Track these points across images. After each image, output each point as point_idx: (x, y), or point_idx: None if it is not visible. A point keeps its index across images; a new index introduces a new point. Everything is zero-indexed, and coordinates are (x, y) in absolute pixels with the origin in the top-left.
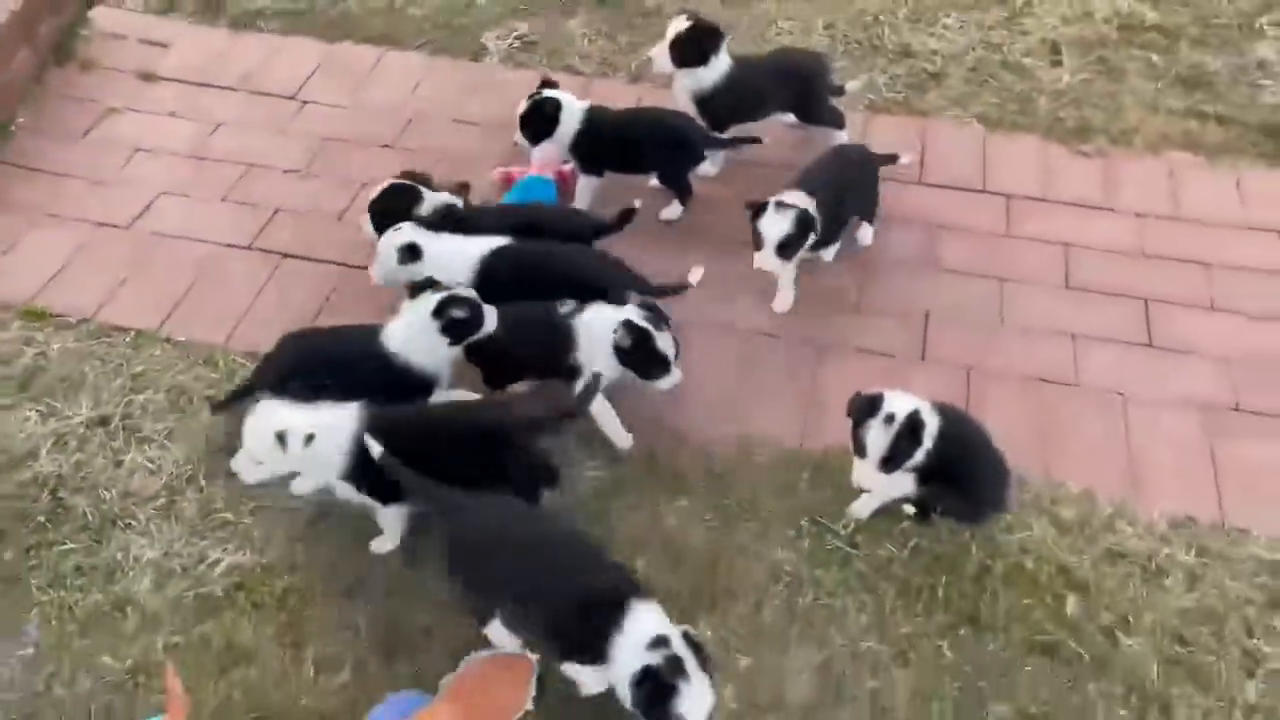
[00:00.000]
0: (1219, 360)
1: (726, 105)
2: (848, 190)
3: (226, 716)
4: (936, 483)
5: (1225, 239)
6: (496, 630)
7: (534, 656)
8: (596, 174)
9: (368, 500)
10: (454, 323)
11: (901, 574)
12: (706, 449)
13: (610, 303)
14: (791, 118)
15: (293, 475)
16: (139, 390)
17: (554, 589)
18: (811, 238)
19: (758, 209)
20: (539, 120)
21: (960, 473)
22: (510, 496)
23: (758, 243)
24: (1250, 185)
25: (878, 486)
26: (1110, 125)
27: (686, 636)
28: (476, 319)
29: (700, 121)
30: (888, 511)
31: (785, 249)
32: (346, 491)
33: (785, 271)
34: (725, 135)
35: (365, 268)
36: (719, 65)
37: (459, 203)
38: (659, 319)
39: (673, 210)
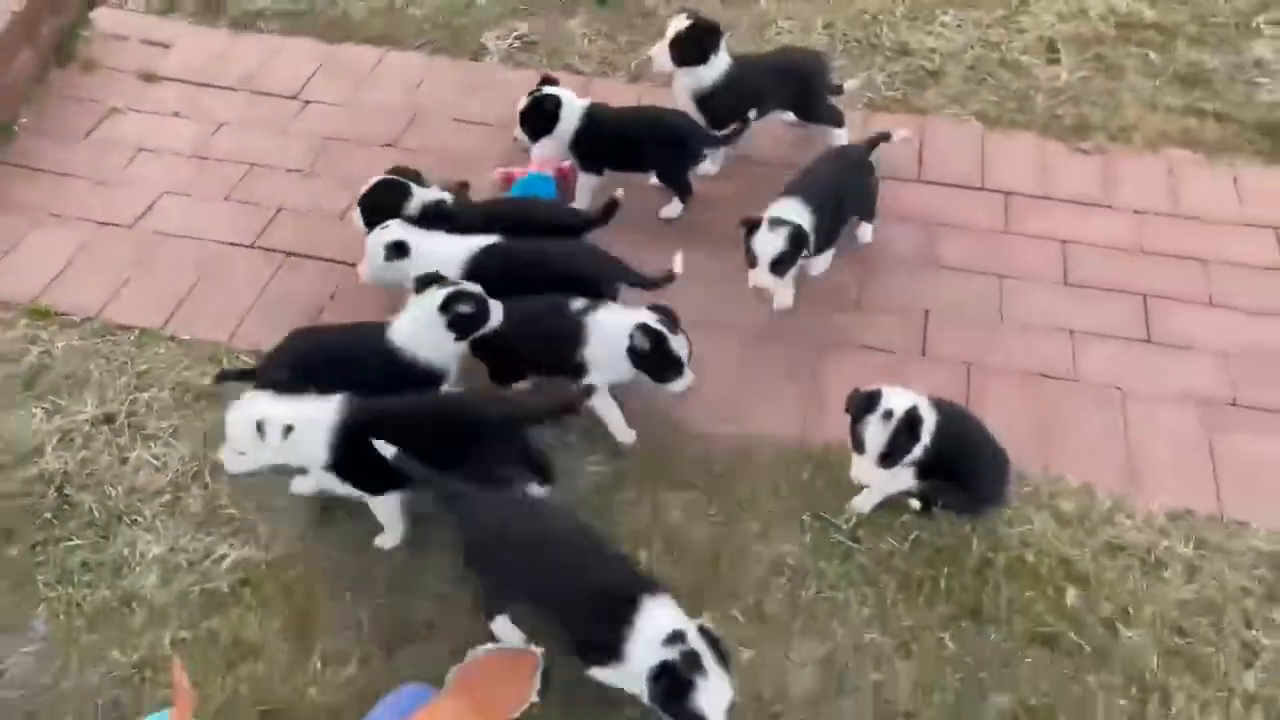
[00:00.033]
0: (1217, 355)
1: (726, 104)
2: (846, 192)
3: (233, 711)
4: (936, 477)
5: (1223, 236)
6: (502, 625)
7: (538, 650)
8: (596, 172)
9: (355, 492)
10: (460, 318)
11: (903, 567)
12: (708, 444)
13: (601, 296)
14: (791, 116)
15: (278, 468)
16: (144, 388)
17: (565, 588)
18: (805, 252)
19: (751, 226)
20: (539, 117)
21: (959, 467)
22: (525, 494)
23: (751, 260)
24: (1247, 182)
25: (877, 481)
26: (1109, 123)
27: (703, 631)
28: (482, 314)
29: (700, 120)
30: (889, 506)
31: (779, 266)
32: (332, 483)
33: (781, 286)
34: (723, 135)
35: None
36: (718, 64)
37: (448, 198)
38: (672, 322)
39: (673, 208)
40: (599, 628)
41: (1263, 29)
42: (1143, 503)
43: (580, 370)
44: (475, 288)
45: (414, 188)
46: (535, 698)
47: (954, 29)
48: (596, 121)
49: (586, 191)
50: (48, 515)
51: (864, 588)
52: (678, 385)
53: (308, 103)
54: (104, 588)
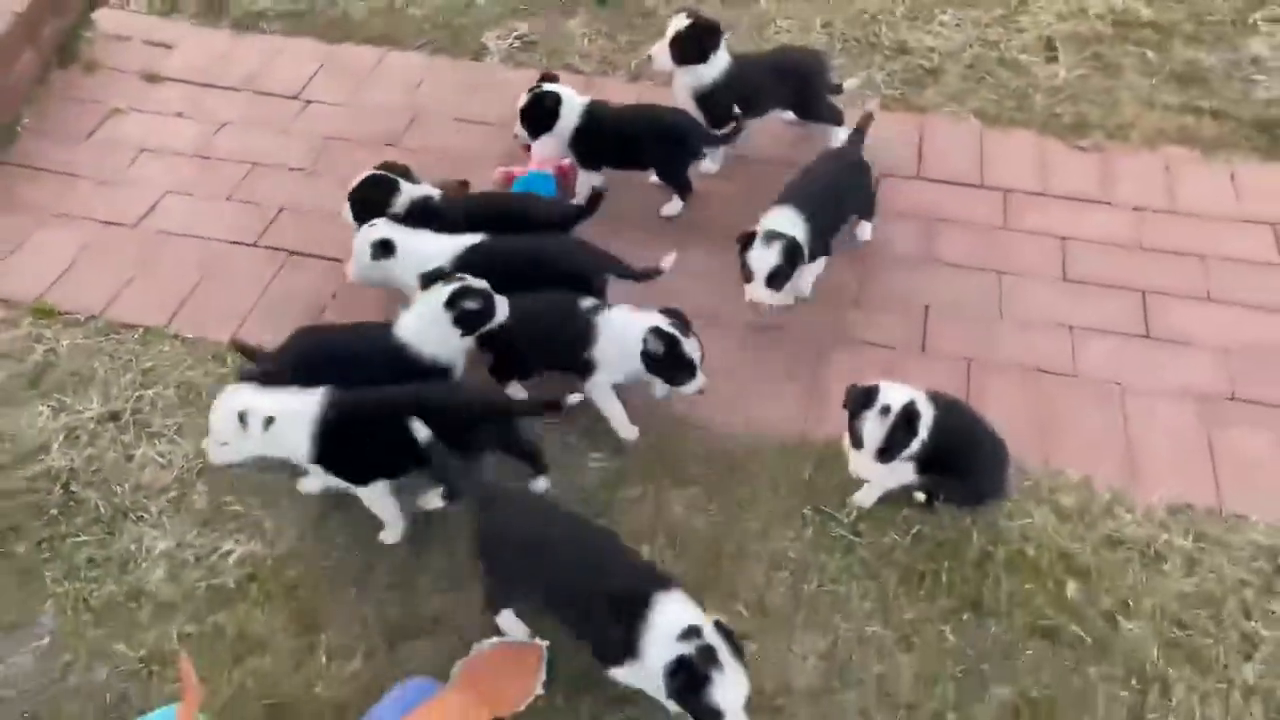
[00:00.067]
0: (1215, 351)
1: (726, 102)
2: (844, 194)
3: (240, 705)
4: (936, 470)
5: (1221, 232)
6: (507, 619)
7: (543, 644)
8: (595, 169)
9: (339, 483)
10: (466, 313)
11: (904, 561)
12: (710, 440)
13: (590, 290)
14: (791, 115)
15: (262, 459)
16: (148, 386)
17: (579, 586)
18: (800, 265)
19: (746, 241)
20: (539, 113)
21: (959, 459)
22: (539, 493)
23: (747, 275)
24: (1245, 179)
25: (875, 476)
26: (1107, 120)
27: (718, 625)
28: (488, 309)
29: (700, 118)
30: (890, 500)
31: (774, 280)
32: (317, 474)
33: (777, 300)
34: (722, 134)
35: None
36: (718, 62)
37: (436, 194)
38: (684, 324)
39: (673, 206)
40: (613, 625)
41: (1259, 26)
42: (1142, 497)
43: (588, 368)
44: (481, 283)
45: (402, 183)
46: (540, 690)
47: (953, 28)
48: (596, 119)
49: (587, 189)
50: (54, 512)
51: (865, 581)
52: (690, 387)
53: (309, 102)
54: (110, 583)
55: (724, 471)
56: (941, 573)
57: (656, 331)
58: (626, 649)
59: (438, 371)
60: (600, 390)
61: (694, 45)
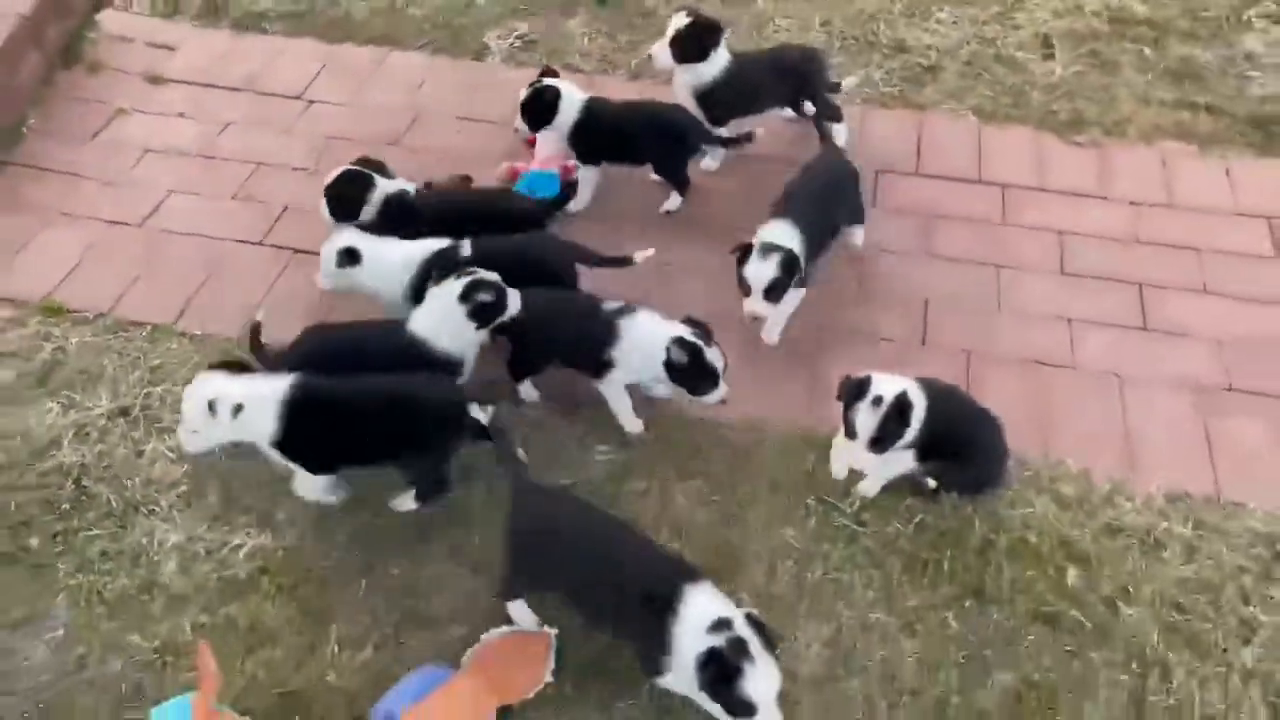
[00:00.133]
0: (1212, 342)
1: (726, 100)
2: (836, 206)
3: (253, 694)
4: (936, 458)
5: (1216, 226)
6: (518, 608)
7: (552, 632)
8: (595, 164)
9: (290, 464)
10: (481, 306)
11: (907, 549)
12: (714, 433)
13: (561, 284)
14: (790, 112)
15: (233, 446)
16: (157, 382)
17: (608, 582)
18: (799, 276)
19: (742, 253)
20: (538, 107)
21: (957, 445)
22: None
23: (745, 289)
24: (1240, 174)
25: (869, 466)
26: (1103, 117)
27: (750, 618)
28: (501, 302)
29: (701, 117)
30: (893, 489)
31: (772, 293)
32: (275, 458)
33: (774, 312)
34: (722, 134)
35: None
36: (718, 61)
37: (411, 190)
38: (706, 334)
39: (672, 202)
40: (644, 619)
41: (1254, 23)
42: (1141, 486)
43: (606, 366)
44: (494, 276)
45: (378, 179)
46: (549, 678)
47: (950, 25)
48: (595, 115)
49: (588, 185)
50: (66, 507)
51: (869, 570)
52: (712, 397)
53: (311, 102)
54: (123, 576)
55: (727, 464)
56: (944, 561)
57: (680, 341)
58: (657, 643)
59: (450, 367)
60: (613, 387)
61: (694, 44)
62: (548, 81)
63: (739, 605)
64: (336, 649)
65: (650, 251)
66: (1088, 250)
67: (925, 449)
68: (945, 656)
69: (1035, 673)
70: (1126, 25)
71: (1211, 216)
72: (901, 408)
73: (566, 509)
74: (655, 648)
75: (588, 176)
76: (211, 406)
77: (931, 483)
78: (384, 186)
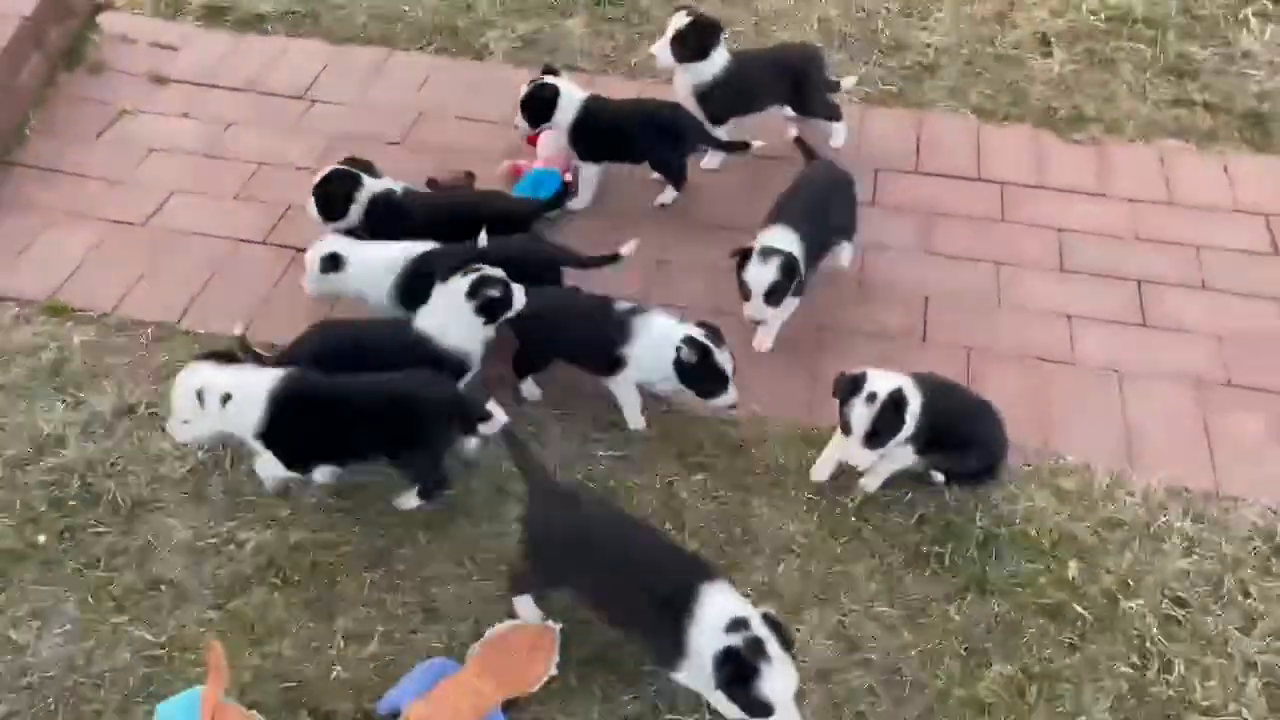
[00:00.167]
0: (1210, 338)
1: (725, 99)
2: (832, 212)
3: (261, 687)
4: (935, 451)
5: (1214, 222)
6: (524, 604)
7: (556, 626)
8: (595, 162)
9: (265, 452)
10: (489, 301)
11: (910, 542)
12: (716, 428)
13: (544, 285)
14: (790, 111)
15: (222, 436)
16: (162, 380)
17: (626, 581)
18: (799, 279)
19: (742, 257)
20: (536, 105)
21: (956, 437)
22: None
23: (745, 293)
24: (1237, 170)
25: (864, 462)
26: (1102, 114)
27: (767, 617)
28: (508, 297)
29: (701, 115)
30: (895, 483)
31: (773, 296)
32: (257, 449)
33: (774, 317)
34: (720, 136)
35: None
36: (718, 59)
37: (399, 189)
38: (717, 337)
39: (666, 196)
40: (661, 618)
41: (1250, 21)
42: (1141, 480)
43: (618, 364)
44: (498, 272)
45: (365, 178)
46: (553, 671)
47: (949, 24)
48: (594, 113)
49: (589, 183)
50: (73, 503)
51: (871, 562)
52: (722, 400)
53: (314, 102)
54: (131, 571)
55: (730, 459)
56: (946, 554)
57: (690, 341)
58: (674, 641)
59: (456, 364)
60: (623, 385)
61: (695, 42)
62: (547, 79)
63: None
64: (343, 643)
65: (635, 243)
66: (1087, 247)
67: (924, 443)
68: (948, 648)
69: (1036, 664)
70: (1124, 23)
71: (1210, 213)
72: (896, 404)
73: (585, 507)
74: (671, 647)
75: (589, 175)
76: (200, 396)
77: (940, 477)
78: (371, 186)
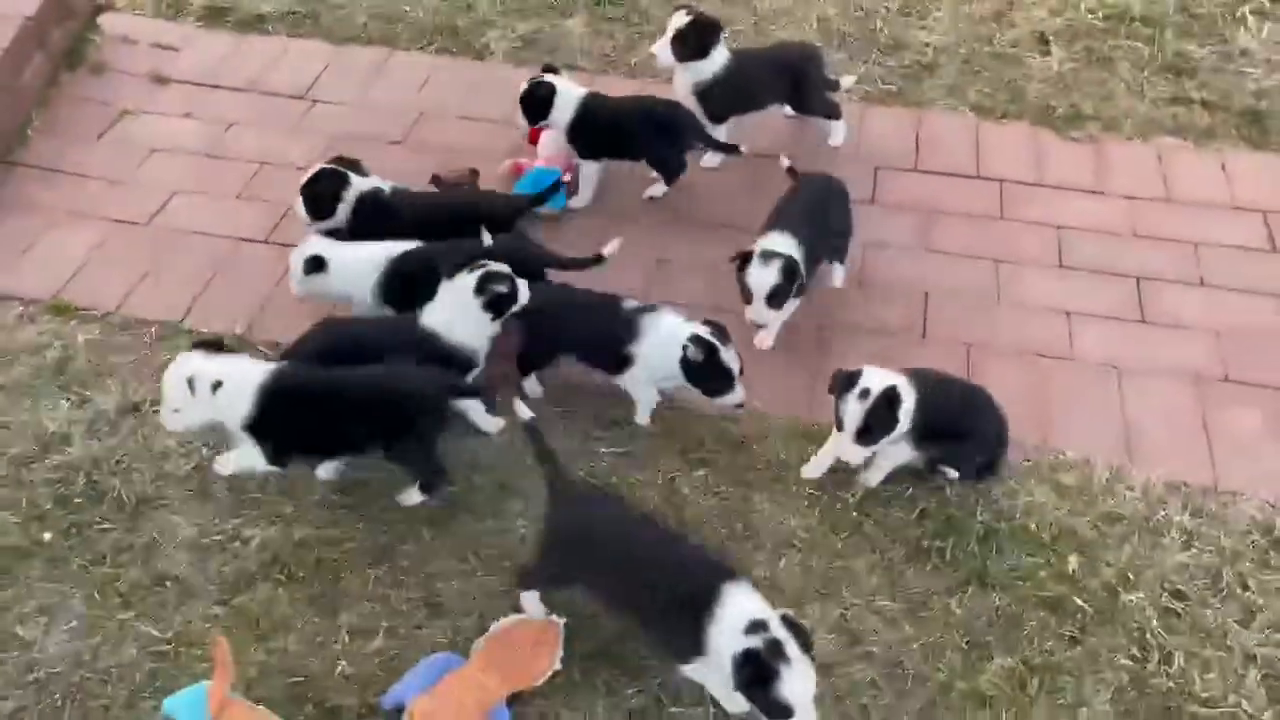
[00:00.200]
0: (1209, 334)
1: (725, 97)
2: (828, 218)
3: (267, 682)
4: (936, 444)
5: (1212, 219)
6: (530, 599)
7: (560, 620)
8: (594, 159)
9: (247, 443)
10: (497, 297)
11: (911, 537)
12: (717, 424)
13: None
14: (789, 109)
15: (213, 427)
16: None
17: (646, 580)
18: (800, 282)
19: (743, 260)
20: (533, 102)
21: (955, 431)
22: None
23: (746, 296)
24: (1235, 168)
25: (855, 458)
26: (1100, 112)
27: (786, 619)
28: (514, 292)
29: (701, 114)
30: (895, 478)
31: (775, 299)
32: (243, 441)
33: (775, 320)
34: (717, 136)
35: None
36: (718, 58)
37: (386, 188)
38: (724, 336)
39: (657, 189)
40: (680, 618)
41: (1248, 19)
42: (1140, 474)
43: (626, 362)
44: (504, 267)
45: (353, 178)
46: (557, 665)
47: (947, 23)
48: (592, 110)
49: (590, 181)
50: (79, 500)
51: (873, 557)
52: (729, 399)
53: (315, 102)
54: (136, 568)
55: (731, 455)
56: (947, 548)
57: (697, 339)
58: (693, 641)
59: (462, 360)
60: (638, 385)
61: (695, 41)
62: (545, 78)
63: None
64: (347, 638)
65: (618, 242)
66: (1085, 244)
67: (920, 438)
68: (949, 641)
69: (1037, 657)
70: (1121, 22)
71: (1207, 210)
72: (889, 401)
73: (604, 505)
74: (689, 645)
75: (589, 173)
76: (190, 384)
77: (952, 473)
78: (359, 185)
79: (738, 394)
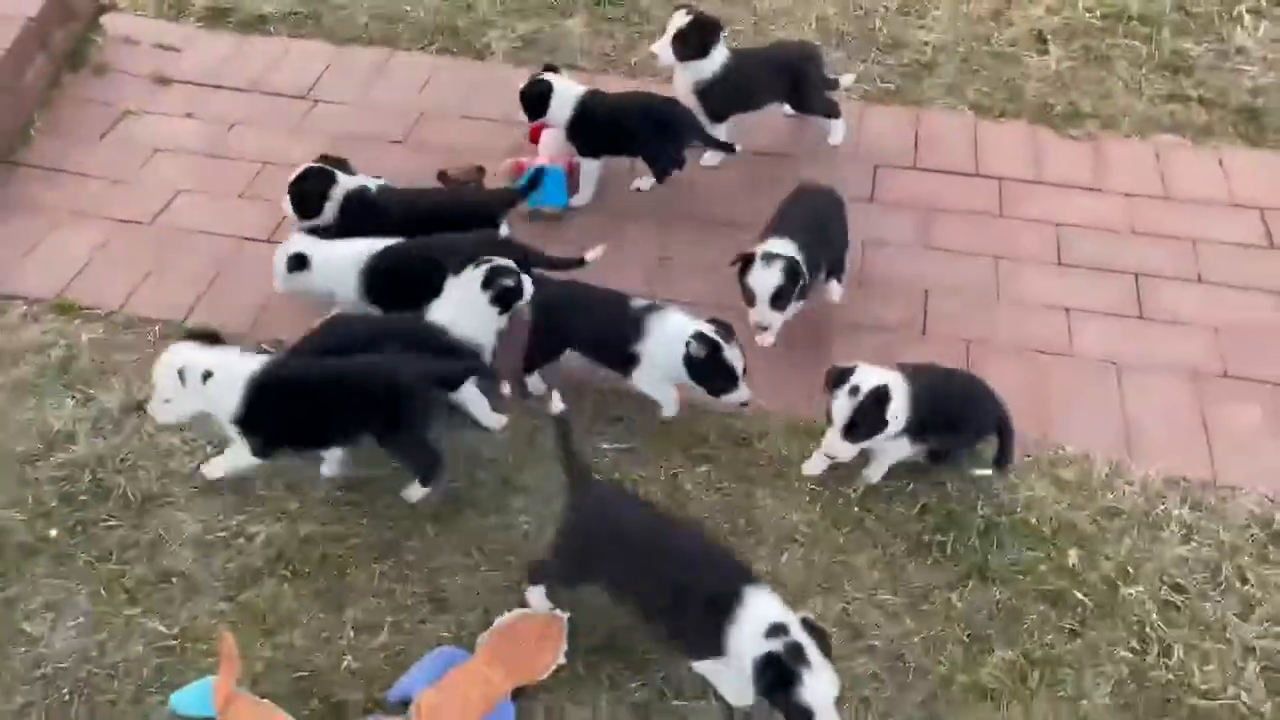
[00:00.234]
0: (1207, 330)
1: (725, 96)
2: (826, 225)
3: (273, 677)
4: (935, 438)
5: (1210, 216)
6: (535, 595)
7: (564, 615)
8: (594, 156)
9: (237, 438)
10: (504, 291)
11: (912, 531)
12: (719, 420)
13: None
14: (788, 108)
15: (205, 419)
16: None
17: (667, 580)
18: (803, 283)
19: (745, 262)
20: (531, 99)
21: (956, 425)
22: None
23: (749, 298)
24: (1232, 165)
25: (844, 454)
26: (1098, 110)
27: (806, 623)
28: (520, 286)
29: (701, 113)
30: (896, 474)
31: (778, 300)
32: (231, 433)
33: (778, 322)
34: (714, 134)
35: None
36: (718, 57)
37: (373, 186)
38: (728, 334)
39: (644, 182)
40: (701, 620)
41: (1244, 17)
42: (1139, 469)
43: (632, 361)
44: (508, 262)
45: (340, 175)
46: (562, 660)
47: (946, 22)
48: (591, 108)
49: (590, 178)
50: (84, 498)
51: (874, 551)
52: (733, 397)
53: (317, 102)
54: (142, 564)
55: (733, 451)
56: (948, 543)
57: (700, 336)
58: (713, 643)
59: (468, 356)
60: (650, 384)
61: (695, 41)
62: (545, 75)
63: None
64: (353, 633)
65: (601, 249)
66: (1084, 241)
67: (920, 432)
68: (950, 635)
69: (1038, 650)
70: (1120, 20)
71: (1205, 207)
72: (878, 399)
73: (625, 505)
74: (709, 648)
75: (590, 170)
76: (181, 375)
77: (978, 471)
78: (345, 183)
79: (742, 392)
